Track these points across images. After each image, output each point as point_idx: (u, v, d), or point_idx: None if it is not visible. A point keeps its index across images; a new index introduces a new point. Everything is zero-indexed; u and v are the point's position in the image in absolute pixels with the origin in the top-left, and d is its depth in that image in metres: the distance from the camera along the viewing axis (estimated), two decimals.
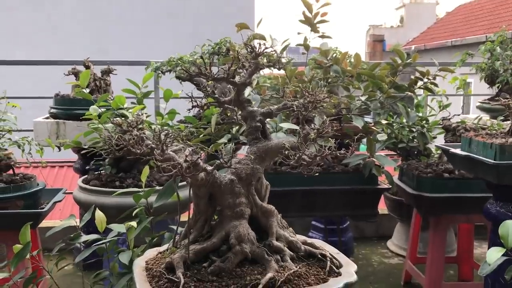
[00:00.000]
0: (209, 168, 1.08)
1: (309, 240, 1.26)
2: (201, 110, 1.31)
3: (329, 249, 1.25)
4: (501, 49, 3.24)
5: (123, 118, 2.29)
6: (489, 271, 1.42)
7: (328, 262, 1.15)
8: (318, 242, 1.27)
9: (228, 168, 1.14)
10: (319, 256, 1.18)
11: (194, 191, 1.15)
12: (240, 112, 1.27)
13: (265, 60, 1.37)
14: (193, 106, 1.28)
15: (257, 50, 1.18)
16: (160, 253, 1.25)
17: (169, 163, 0.99)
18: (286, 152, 1.07)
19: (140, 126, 1.15)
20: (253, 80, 1.41)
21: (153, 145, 1.05)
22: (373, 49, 26.50)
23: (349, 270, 1.14)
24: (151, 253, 1.26)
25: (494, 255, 1.43)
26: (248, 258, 1.10)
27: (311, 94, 1.22)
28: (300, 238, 1.25)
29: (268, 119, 1.39)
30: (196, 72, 1.19)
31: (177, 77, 3.04)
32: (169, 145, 1.10)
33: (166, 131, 1.09)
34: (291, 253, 1.16)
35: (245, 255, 1.10)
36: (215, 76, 1.18)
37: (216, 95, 1.25)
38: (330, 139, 1.10)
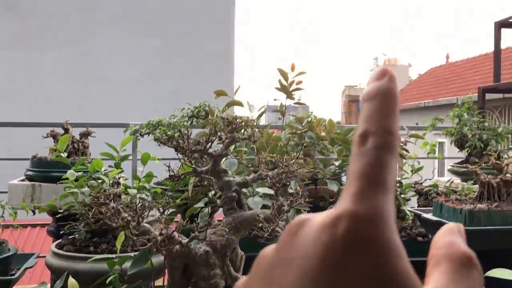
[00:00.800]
0: (184, 240, 1.10)
1: None
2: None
3: None
4: (468, 115, 3.39)
5: (99, 181, 2.31)
6: None
7: None
8: None
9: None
10: None
11: (168, 263, 1.16)
12: (216, 182, 1.30)
13: (242, 130, 1.42)
14: (170, 176, 1.31)
15: (233, 124, 1.23)
16: None
17: (145, 237, 1.01)
18: (260, 225, 1.10)
19: (118, 192, 1.17)
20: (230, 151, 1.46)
21: (129, 218, 1.06)
22: (349, 109, 27.20)
23: None
24: None
25: None
26: None
27: (285, 165, 1.27)
28: None
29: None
30: (174, 144, 1.23)
31: (156, 140, 3.08)
32: (145, 215, 1.12)
33: (142, 203, 1.11)
34: None
35: None
36: (193, 148, 1.22)
37: (193, 166, 1.28)
38: (303, 210, 1.14)
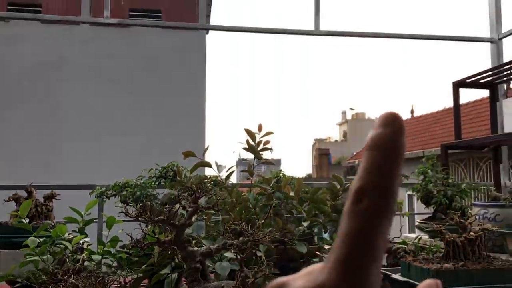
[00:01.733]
0: None
1: None
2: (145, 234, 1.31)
3: None
4: (433, 172, 3.47)
5: (62, 246, 2.23)
6: None
7: None
8: None
9: None
10: None
11: None
12: (180, 253, 1.28)
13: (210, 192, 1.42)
14: (132, 246, 1.28)
15: (196, 193, 1.23)
16: None
17: None
18: None
19: (79, 257, 1.13)
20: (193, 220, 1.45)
21: None
22: (320, 162, 27.53)
23: None
24: None
25: None
26: None
27: (250, 233, 1.26)
28: None
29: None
30: (136, 215, 1.21)
31: (122, 202, 3.03)
32: None
33: (101, 277, 1.08)
34: None
35: None
36: (155, 219, 1.21)
37: (156, 236, 1.26)
38: (267, 282, 1.12)
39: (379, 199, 0.28)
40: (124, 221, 2.58)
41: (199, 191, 1.23)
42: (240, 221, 1.57)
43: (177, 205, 1.26)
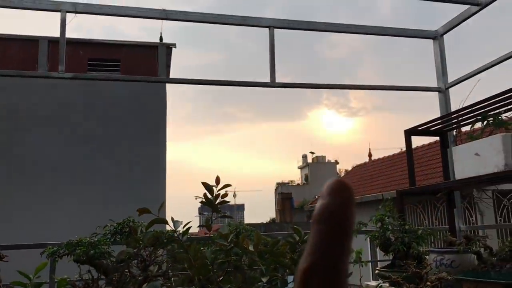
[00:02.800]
0: None
1: None
2: None
3: None
4: (390, 218, 3.53)
5: None
6: None
7: None
8: None
9: None
10: None
11: None
12: None
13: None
14: None
15: (147, 261, 1.19)
16: None
17: None
18: None
19: None
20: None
21: None
22: (283, 206, 27.51)
23: None
24: None
25: None
26: None
27: None
28: None
29: None
30: (83, 285, 1.16)
31: (75, 261, 2.91)
32: None
33: None
34: None
35: None
36: None
37: None
38: None
39: (328, 275, 0.28)
40: (77, 281, 2.47)
41: (150, 259, 1.19)
42: (198, 279, 1.53)
43: (127, 272, 1.22)
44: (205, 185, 2.79)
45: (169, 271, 1.28)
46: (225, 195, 2.79)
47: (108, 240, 2.91)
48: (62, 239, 3.02)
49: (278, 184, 35.34)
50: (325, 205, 0.29)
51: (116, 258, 2.63)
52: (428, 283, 2.12)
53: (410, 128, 3.85)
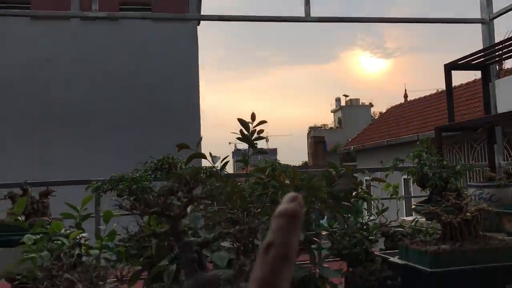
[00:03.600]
0: None
1: None
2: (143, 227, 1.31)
3: None
4: (427, 155, 3.48)
5: (59, 242, 2.22)
6: None
7: None
8: None
9: None
10: None
11: None
12: (176, 244, 1.28)
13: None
14: (129, 239, 1.28)
15: (190, 184, 1.22)
16: None
17: None
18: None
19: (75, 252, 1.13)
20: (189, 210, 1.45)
21: None
22: (315, 150, 27.57)
23: None
24: None
25: None
26: None
27: (245, 222, 1.26)
28: None
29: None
30: (130, 206, 1.21)
31: (119, 195, 3.03)
32: (102, 284, 1.08)
33: (98, 271, 1.08)
34: None
35: None
36: (150, 211, 1.20)
37: (151, 228, 1.26)
38: None
39: (282, 250, 0.40)
40: (121, 215, 2.57)
41: (193, 181, 1.22)
42: (236, 210, 1.57)
43: (172, 197, 1.26)
44: (241, 121, 2.80)
45: (212, 193, 1.31)
46: (261, 131, 2.80)
47: (149, 176, 3.00)
48: (105, 177, 3.13)
49: (310, 128, 35.23)
50: (284, 207, 0.44)
51: (157, 192, 2.71)
52: (468, 214, 2.10)
53: (450, 62, 3.71)
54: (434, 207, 2.14)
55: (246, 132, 2.75)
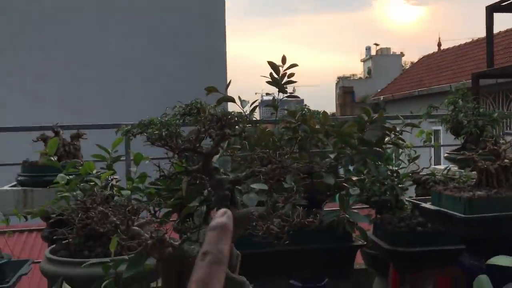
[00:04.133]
0: (176, 243, 1.06)
1: None
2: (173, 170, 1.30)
3: None
4: (463, 102, 3.36)
5: (91, 184, 2.26)
6: None
7: None
8: None
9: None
10: None
11: (162, 267, 1.12)
12: (208, 181, 1.26)
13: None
14: (160, 176, 1.27)
15: (223, 121, 1.19)
16: None
17: (134, 241, 0.97)
18: (254, 224, 1.07)
19: (108, 193, 1.14)
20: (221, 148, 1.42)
21: (117, 222, 1.02)
22: (344, 100, 27.21)
23: None
24: None
25: None
26: None
27: (278, 160, 1.23)
28: None
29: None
30: (162, 143, 1.19)
31: (148, 139, 3.04)
32: (135, 218, 1.08)
33: (131, 206, 1.07)
34: None
35: None
36: (182, 147, 1.18)
37: (184, 165, 1.24)
38: (298, 206, 1.10)
39: (215, 256, 0.48)
40: (152, 158, 2.59)
41: (226, 119, 1.19)
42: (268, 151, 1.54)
43: (204, 135, 1.23)
44: (271, 64, 2.74)
45: (244, 132, 1.28)
46: (291, 74, 2.73)
47: (178, 120, 2.99)
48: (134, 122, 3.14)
49: (339, 78, 34.64)
50: (216, 221, 0.51)
51: (186, 137, 2.71)
52: (506, 160, 2.03)
53: (492, 4, 3.51)
54: (471, 153, 2.07)
55: (276, 76, 2.69)
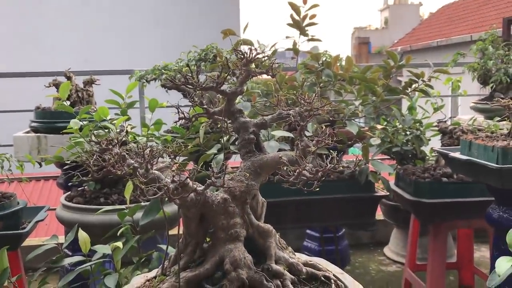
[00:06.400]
0: (199, 188, 0.98)
1: (311, 260, 1.16)
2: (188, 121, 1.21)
3: (332, 269, 1.16)
4: (493, 48, 3.18)
5: (106, 130, 2.19)
6: (499, 282, 1.32)
7: (333, 285, 1.05)
8: (320, 262, 1.18)
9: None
10: (322, 279, 1.08)
11: (183, 212, 1.05)
12: (231, 124, 1.17)
13: (254, 66, 1.27)
14: (179, 118, 1.18)
15: (247, 56, 1.08)
16: (148, 280, 1.14)
17: (154, 185, 0.89)
18: (285, 168, 0.98)
19: (123, 138, 1.06)
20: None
21: (135, 165, 0.94)
22: (359, 51, 26.61)
23: None
24: (138, 280, 1.15)
25: (504, 266, 1.33)
26: (246, 285, 1.00)
27: (307, 102, 1.13)
28: (301, 258, 1.16)
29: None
30: (182, 81, 1.09)
31: (163, 86, 2.93)
32: (154, 162, 1.00)
33: (150, 148, 0.99)
34: (292, 276, 1.05)
35: (241, 281, 1.00)
36: (203, 85, 1.08)
37: (205, 105, 1.14)
38: (331, 151, 1.01)
39: None
40: (167, 106, 2.50)
41: (250, 56, 1.08)
42: (294, 93, 1.44)
43: (225, 74, 1.13)
44: (292, 5, 2.58)
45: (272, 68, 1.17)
46: (313, 16, 2.58)
47: (193, 66, 2.86)
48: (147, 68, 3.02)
49: (355, 28, 33.74)
50: None
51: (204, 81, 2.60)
52: None
53: None
54: (507, 99, 1.94)
55: (297, 17, 2.54)
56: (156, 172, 0.96)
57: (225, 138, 2.32)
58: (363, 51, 26.45)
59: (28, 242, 3.18)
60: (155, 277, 1.13)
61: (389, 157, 3.05)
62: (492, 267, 1.35)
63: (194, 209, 1.03)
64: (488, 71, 3.16)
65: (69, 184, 2.73)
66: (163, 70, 2.91)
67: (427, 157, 2.92)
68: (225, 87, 1.20)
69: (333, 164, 0.97)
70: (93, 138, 1.10)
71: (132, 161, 0.95)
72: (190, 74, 1.11)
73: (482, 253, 3.42)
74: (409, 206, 2.50)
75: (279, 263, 1.07)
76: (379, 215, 3.29)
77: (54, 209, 2.46)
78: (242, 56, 1.12)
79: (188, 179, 0.93)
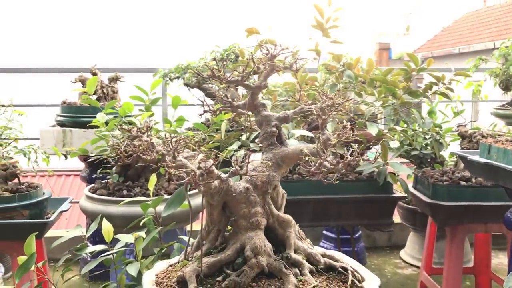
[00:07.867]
0: (224, 175, 1.02)
1: (328, 252, 1.19)
2: (209, 118, 1.26)
3: (349, 262, 1.18)
4: None
5: (131, 125, 2.25)
6: None
7: (350, 276, 1.08)
8: (337, 254, 1.21)
9: (243, 176, 1.08)
10: (340, 269, 1.11)
11: (207, 200, 1.09)
12: (254, 117, 1.21)
13: (277, 61, 1.31)
14: (204, 111, 1.22)
15: (272, 51, 1.12)
16: (171, 265, 1.18)
17: (181, 170, 0.93)
18: (307, 158, 1.01)
19: (150, 132, 1.11)
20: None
21: (164, 152, 0.98)
22: (379, 57, 26.41)
23: (372, 284, 1.07)
24: (161, 265, 1.20)
25: None
26: (265, 271, 1.04)
27: (329, 98, 1.16)
28: (318, 250, 1.19)
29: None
30: (208, 75, 1.13)
31: (185, 84, 3.00)
32: (180, 151, 1.04)
33: (177, 137, 1.03)
34: (310, 266, 1.09)
35: (261, 268, 1.03)
36: (228, 79, 1.13)
37: (229, 100, 1.19)
38: (352, 144, 1.04)
39: None
40: (190, 104, 2.55)
41: (276, 47, 1.12)
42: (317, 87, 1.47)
43: (249, 68, 1.17)
44: (316, 7, 2.61)
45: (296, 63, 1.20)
46: (337, 18, 2.60)
47: (215, 65, 2.91)
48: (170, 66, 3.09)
49: (376, 34, 33.54)
50: None
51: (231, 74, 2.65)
52: None
53: None
54: None
55: (320, 19, 2.57)
56: (183, 159, 1.01)
57: (245, 136, 2.36)
58: (383, 57, 26.26)
59: (50, 233, 3.26)
60: (177, 263, 1.17)
61: (407, 160, 3.05)
62: (510, 270, 1.36)
63: (217, 197, 1.07)
64: (511, 76, 3.14)
65: (93, 176, 2.80)
66: (187, 68, 2.97)
67: (445, 162, 2.92)
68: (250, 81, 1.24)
69: (353, 156, 1.00)
70: (123, 128, 1.15)
71: (161, 148, 0.99)
72: (217, 67, 1.15)
73: (499, 259, 3.40)
74: (426, 209, 2.50)
75: (298, 252, 1.11)
76: (396, 218, 3.29)
77: (77, 202, 2.53)
78: (267, 51, 1.16)
79: (213, 166, 0.97)
